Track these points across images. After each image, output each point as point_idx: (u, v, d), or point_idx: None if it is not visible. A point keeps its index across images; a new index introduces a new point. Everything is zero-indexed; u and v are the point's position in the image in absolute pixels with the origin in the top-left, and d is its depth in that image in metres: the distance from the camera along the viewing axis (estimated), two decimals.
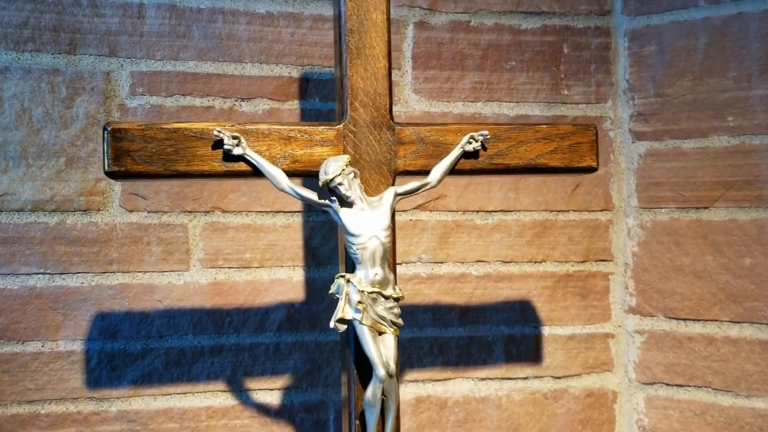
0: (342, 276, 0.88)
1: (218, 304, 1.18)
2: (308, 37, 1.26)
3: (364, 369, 0.87)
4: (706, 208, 1.31)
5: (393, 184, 0.91)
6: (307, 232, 1.23)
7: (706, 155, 1.31)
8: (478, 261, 1.28)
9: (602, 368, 1.32)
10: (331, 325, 0.88)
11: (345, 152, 0.89)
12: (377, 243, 0.87)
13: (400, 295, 0.89)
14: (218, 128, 0.87)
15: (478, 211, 1.29)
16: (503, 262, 1.29)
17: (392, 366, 0.87)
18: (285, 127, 0.87)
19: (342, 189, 0.86)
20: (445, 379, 1.27)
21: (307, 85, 1.26)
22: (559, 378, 1.32)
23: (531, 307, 1.31)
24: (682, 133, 1.32)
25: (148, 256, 1.18)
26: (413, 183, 0.90)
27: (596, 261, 1.32)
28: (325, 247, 1.25)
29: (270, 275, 1.21)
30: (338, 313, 0.87)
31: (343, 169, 0.85)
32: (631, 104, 1.36)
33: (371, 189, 0.90)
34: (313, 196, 0.87)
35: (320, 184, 0.86)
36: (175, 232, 1.18)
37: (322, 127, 0.88)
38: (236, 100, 1.22)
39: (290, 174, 0.87)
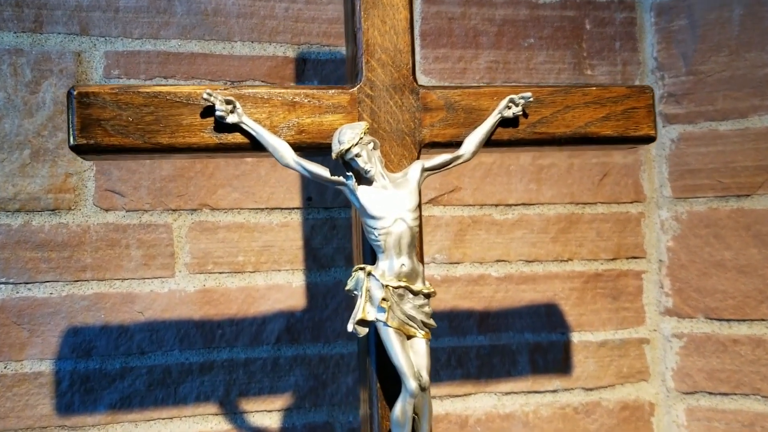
0: (361, 268, 0.72)
1: (208, 315, 1.04)
2: (305, 12, 1.12)
3: (390, 382, 0.71)
4: (748, 195, 1.17)
5: (418, 158, 0.75)
6: (307, 231, 1.07)
7: (746, 137, 1.18)
8: (498, 261, 1.16)
9: (637, 377, 1.19)
10: (350, 328, 0.72)
11: (361, 120, 0.73)
12: (403, 227, 0.71)
13: (432, 290, 0.73)
14: (208, 91, 0.71)
15: (496, 205, 1.15)
16: (526, 261, 1.16)
17: (425, 377, 0.71)
18: (288, 90, 0.72)
19: (360, 161, 0.70)
20: (465, 395, 1.12)
21: (304, 66, 1.11)
22: (591, 390, 1.18)
23: (558, 311, 1.17)
24: (718, 114, 1.19)
25: (127, 261, 1.05)
26: (443, 156, 0.75)
27: (628, 258, 1.21)
28: (327, 248, 1.10)
29: (266, 280, 1.08)
30: (358, 314, 0.71)
31: (361, 138, 0.70)
32: (661, 84, 1.22)
33: (393, 165, 0.74)
34: (324, 171, 0.72)
35: (333, 155, 0.71)
36: (157, 233, 1.06)
37: (332, 91, 0.73)
38: (225, 84, 1.06)
39: (296, 147, 0.72)
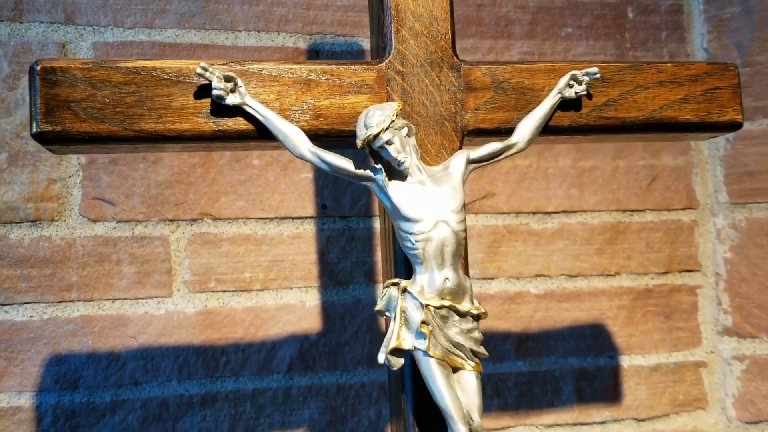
0: (395, 284, 0.58)
1: (210, 340, 0.94)
2: None
3: (431, 424, 0.56)
4: None
5: (460, 148, 0.61)
6: (322, 243, 0.95)
7: None
8: (537, 276, 1.05)
9: (694, 406, 1.08)
10: (381, 359, 0.57)
11: (390, 102, 0.59)
12: (447, 232, 0.57)
13: (482, 310, 0.59)
14: (203, 65, 0.57)
15: (534, 213, 1.02)
16: (568, 276, 1.06)
17: (477, 419, 0.56)
18: (302, 66, 0.58)
19: (391, 150, 0.56)
20: (504, 428, 0.99)
21: (316, 58, 0.98)
22: (643, 420, 1.04)
23: (605, 332, 1.05)
24: None
25: (118, 279, 0.94)
26: (491, 145, 0.61)
27: (681, 272, 1.11)
28: (345, 262, 0.96)
29: (276, 300, 0.97)
30: (391, 341, 0.57)
31: (393, 121, 0.56)
32: None
33: (429, 156, 0.60)
34: (346, 164, 0.57)
35: (359, 143, 0.56)
36: (152, 246, 0.95)
37: (355, 67, 0.59)
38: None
39: (311, 135, 0.58)
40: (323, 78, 0.59)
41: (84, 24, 0.95)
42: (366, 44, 1.01)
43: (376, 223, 1.01)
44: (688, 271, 1.10)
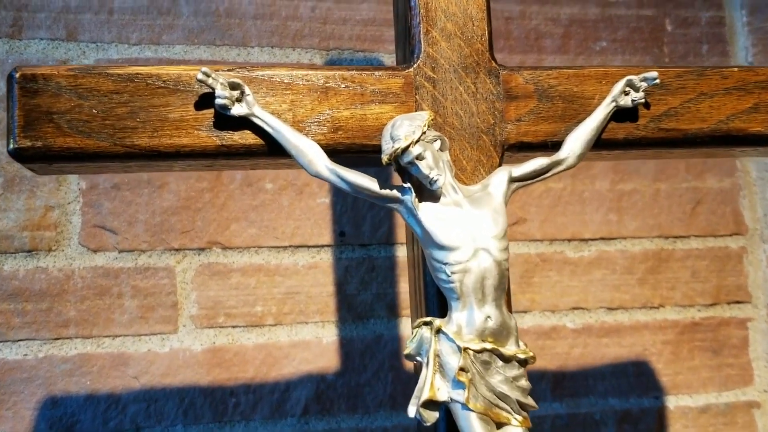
0: (426, 323, 0.49)
1: (219, 380, 0.86)
2: (334, 12, 0.93)
3: None
4: None
5: (500, 164, 0.53)
6: (339, 273, 0.89)
7: None
8: (574, 308, 0.97)
9: None
10: (411, 412, 0.48)
11: (419, 110, 0.51)
12: (488, 262, 0.49)
13: (530, 354, 0.50)
14: (205, 70, 0.49)
15: (570, 240, 0.94)
16: (608, 308, 0.98)
17: None
18: (318, 72, 0.50)
19: (422, 167, 0.48)
20: None
21: None
22: None
23: (648, 369, 0.98)
24: None
25: (120, 313, 0.86)
26: (537, 161, 0.53)
27: (729, 303, 1.02)
28: (365, 294, 0.89)
29: (290, 336, 0.89)
30: (424, 392, 0.48)
31: (424, 132, 0.48)
32: None
33: (464, 174, 0.52)
34: (369, 182, 0.49)
35: (384, 158, 0.48)
36: (157, 278, 0.87)
37: (380, 73, 0.51)
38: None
39: (329, 150, 0.50)
40: (343, 85, 0.51)
41: (87, 41, 0.88)
42: (388, 60, 0.94)
43: (399, 252, 0.92)
44: (738, 302, 1.02)
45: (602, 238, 0.98)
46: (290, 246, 0.90)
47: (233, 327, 0.87)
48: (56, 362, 0.84)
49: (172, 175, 0.86)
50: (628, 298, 0.98)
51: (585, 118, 0.55)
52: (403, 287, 0.91)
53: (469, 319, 0.49)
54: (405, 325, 0.91)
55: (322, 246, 0.91)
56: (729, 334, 1.00)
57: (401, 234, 0.93)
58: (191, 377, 0.86)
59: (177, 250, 0.88)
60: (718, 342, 1.00)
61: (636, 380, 0.97)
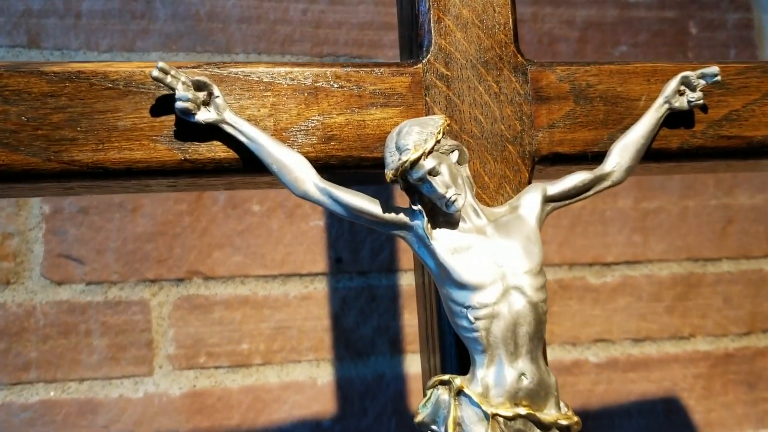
0: (444, 382, 0.39)
1: (200, 428, 0.76)
2: (328, 15, 0.83)
3: None
4: None
5: (530, 181, 0.42)
6: (336, 305, 0.80)
7: None
8: (596, 341, 0.88)
9: None
10: None
11: (429, 114, 0.41)
12: (522, 304, 0.39)
13: (574, 419, 0.39)
14: (161, 65, 0.39)
15: (591, 265, 0.84)
16: (634, 340, 0.89)
17: None
18: (305, 69, 0.39)
19: (437, 184, 0.38)
20: None
21: None
22: None
23: (679, 406, 0.90)
24: None
25: (87, 354, 0.76)
26: (576, 176, 0.43)
27: (765, 332, 0.93)
28: (365, 328, 0.80)
29: (281, 376, 0.79)
30: None
31: (438, 141, 0.38)
32: None
33: (487, 193, 0.42)
34: (369, 204, 0.39)
35: (389, 174, 0.38)
36: (129, 314, 0.77)
37: (381, 70, 0.41)
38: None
39: (320, 165, 0.39)
40: (336, 85, 0.41)
41: (51, 47, 0.79)
42: None
43: (403, 279, 0.82)
44: None
45: (626, 262, 0.89)
46: (280, 275, 0.80)
47: (216, 368, 0.77)
48: (15, 410, 0.73)
49: (147, 197, 0.76)
50: (655, 327, 0.89)
51: (632, 124, 0.44)
52: (408, 319, 0.81)
53: (498, 378, 0.38)
54: (410, 363, 0.81)
55: (316, 274, 0.81)
56: (765, 366, 0.91)
57: (405, 260, 0.82)
58: (169, 426, 0.75)
59: (152, 281, 0.77)
60: (753, 375, 0.90)
61: (666, 419, 0.87)
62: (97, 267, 0.76)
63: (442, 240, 0.40)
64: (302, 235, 0.81)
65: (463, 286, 0.39)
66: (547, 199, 0.43)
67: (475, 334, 0.39)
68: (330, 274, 0.81)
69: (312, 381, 0.79)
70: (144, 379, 0.75)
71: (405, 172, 0.38)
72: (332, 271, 0.81)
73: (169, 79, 0.39)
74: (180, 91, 0.39)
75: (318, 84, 0.40)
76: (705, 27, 0.95)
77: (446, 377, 0.39)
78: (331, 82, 0.40)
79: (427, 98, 0.41)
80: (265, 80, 0.40)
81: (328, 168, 0.40)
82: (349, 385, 0.79)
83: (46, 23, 0.79)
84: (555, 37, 0.90)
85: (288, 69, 0.41)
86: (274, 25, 0.83)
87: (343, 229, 0.82)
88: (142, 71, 0.40)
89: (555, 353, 0.85)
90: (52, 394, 0.74)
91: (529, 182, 0.44)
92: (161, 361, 0.76)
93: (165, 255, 0.77)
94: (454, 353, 0.41)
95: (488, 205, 0.43)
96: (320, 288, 0.81)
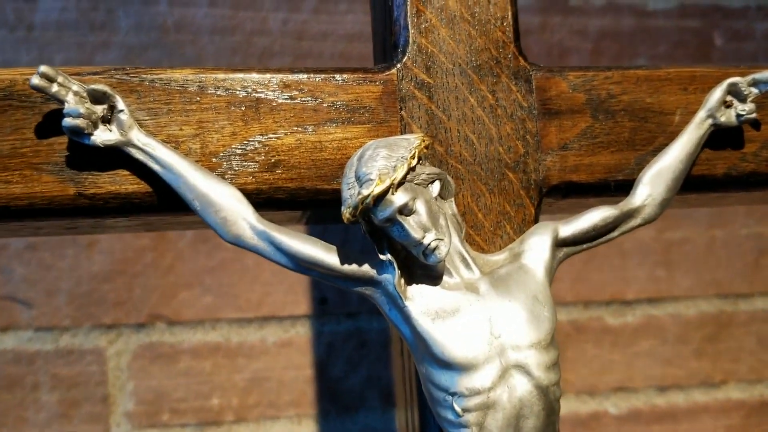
0: None
1: None
2: (312, 25, 0.78)
3: None
4: None
5: (536, 218, 0.32)
6: (320, 352, 0.73)
7: None
8: (617, 389, 0.79)
9: None
10: None
11: (405, 133, 0.31)
12: (527, 388, 0.30)
13: None
14: (44, 71, 0.29)
15: (609, 303, 0.80)
16: (658, 388, 0.80)
17: None
18: (245, 75, 0.29)
19: (410, 227, 0.28)
20: None
21: None
22: None
23: None
24: None
25: (35, 411, 0.67)
26: (597, 213, 0.34)
27: None
28: (353, 379, 0.74)
29: None
30: None
31: (413, 168, 0.27)
32: None
33: (481, 234, 0.32)
34: (324, 254, 0.29)
35: (346, 214, 0.28)
36: (83, 364, 0.68)
37: (344, 77, 0.31)
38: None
39: (261, 201, 0.29)
40: (284, 96, 0.31)
41: None
42: None
43: None
44: None
45: (649, 300, 0.80)
46: (256, 318, 0.72)
47: (182, 426, 0.69)
48: None
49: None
50: (682, 374, 0.81)
51: (665, 144, 0.34)
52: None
53: None
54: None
55: (298, 317, 0.72)
56: None
57: None
58: None
59: (109, 327, 0.69)
60: None
61: None
62: (47, 311, 0.68)
63: (419, 300, 0.30)
64: (282, 272, 0.71)
65: (447, 365, 0.29)
66: (559, 243, 0.33)
67: (464, 431, 0.29)
68: (313, 317, 0.73)
69: None
70: None
71: (367, 210, 0.28)
72: (316, 313, 0.73)
73: (55, 88, 0.29)
74: (70, 105, 0.29)
75: (260, 94, 0.30)
76: (731, 37, 0.87)
77: None
78: (278, 93, 0.30)
79: (402, 112, 0.31)
80: (190, 90, 0.30)
81: (272, 204, 0.30)
82: None
83: None
84: (566, 48, 0.82)
85: (221, 75, 0.31)
86: (250, 37, 0.75)
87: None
88: (26, 79, 0.30)
89: (570, 405, 0.76)
90: None
91: (536, 220, 0.34)
92: (118, 418, 0.68)
93: (124, 297, 0.69)
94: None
95: (482, 251, 0.33)
96: (302, 333, 0.73)
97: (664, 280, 0.80)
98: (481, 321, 0.30)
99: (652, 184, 0.35)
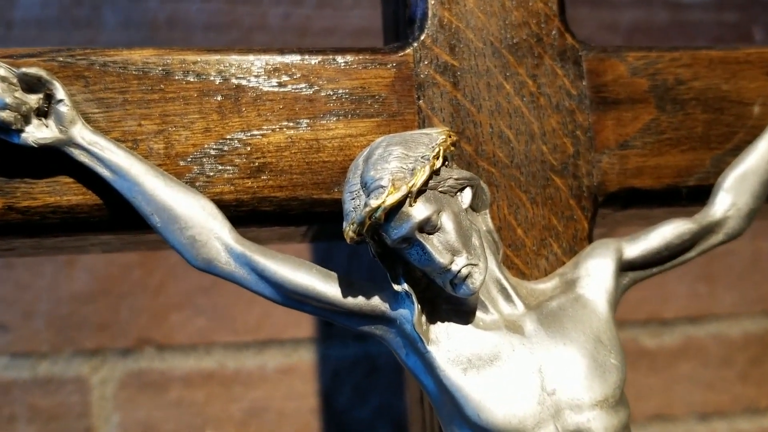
0: None
1: None
2: (315, 21, 0.72)
3: None
4: None
5: (590, 234, 0.25)
6: (326, 379, 0.68)
7: None
8: (654, 417, 0.75)
9: None
10: None
11: (424, 128, 0.24)
12: None
13: None
14: None
15: (645, 323, 0.79)
16: (700, 416, 0.76)
17: None
18: (224, 57, 0.22)
19: (433, 248, 0.21)
20: None
21: None
22: None
23: None
24: None
25: None
26: (669, 228, 0.28)
27: None
28: (362, 409, 0.68)
29: None
30: None
31: (436, 171, 0.20)
32: None
33: (521, 255, 0.24)
34: (321, 283, 0.23)
35: (348, 232, 0.21)
36: (64, 394, 0.64)
37: (348, 59, 0.24)
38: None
39: (243, 215, 0.22)
40: (270, 83, 0.23)
41: None
42: None
43: None
44: None
45: (688, 318, 0.76)
46: (255, 342, 0.67)
47: None
48: None
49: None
50: (726, 399, 0.76)
51: (749, 141, 0.28)
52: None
53: None
54: None
55: (301, 340, 0.68)
56: None
57: None
58: None
59: (92, 352, 0.65)
60: None
61: None
62: (24, 335, 0.64)
63: (446, 344, 0.23)
64: None
65: (484, 430, 0.22)
66: (624, 266, 0.27)
67: None
68: (318, 340, 0.69)
69: None
70: None
71: (377, 227, 0.22)
72: (321, 335, 0.69)
73: None
74: None
75: (240, 81, 0.24)
76: None
77: None
78: (263, 78, 0.24)
79: (420, 103, 0.25)
80: (152, 75, 0.23)
81: (256, 218, 0.24)
82: None
83: None
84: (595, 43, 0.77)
85: (191, 57, 0.24)
86: (249, 33, 0.71)
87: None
88: None
89: None
90: None
91: (590, 237, 0.27)
92: None
93: (109, 319, 0.65)
94: None
95: (523, 277, 0.26)
96: (306, 358, 0.69)
97: (705, 297, 0.76)
98: (529, 372, 0.22)
99: (736, 190, 0.28)
